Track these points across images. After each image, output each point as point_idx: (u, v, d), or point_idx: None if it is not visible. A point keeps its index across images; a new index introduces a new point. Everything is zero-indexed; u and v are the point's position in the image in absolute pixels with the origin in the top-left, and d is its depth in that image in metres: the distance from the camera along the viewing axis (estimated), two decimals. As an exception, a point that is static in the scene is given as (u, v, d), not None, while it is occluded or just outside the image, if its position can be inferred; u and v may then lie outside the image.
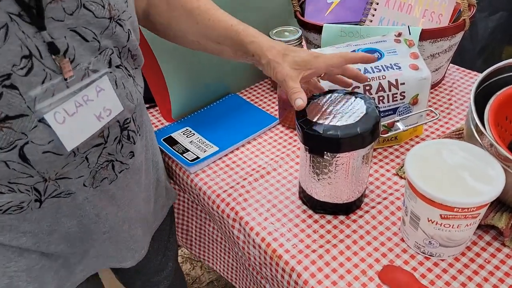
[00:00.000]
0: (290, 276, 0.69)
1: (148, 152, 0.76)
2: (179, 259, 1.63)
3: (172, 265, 1.02)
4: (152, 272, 0.97)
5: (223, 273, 1.09)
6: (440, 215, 0.62)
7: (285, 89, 0.66)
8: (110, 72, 0.57)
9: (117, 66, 0.59)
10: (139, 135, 0.68)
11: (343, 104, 0.69)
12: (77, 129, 0.54)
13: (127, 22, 0.59)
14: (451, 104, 0.98)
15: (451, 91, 1.02)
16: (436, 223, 0.63)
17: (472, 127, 0.70)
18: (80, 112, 0.53)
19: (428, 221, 0.64)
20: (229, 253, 1.03)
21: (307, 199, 0.78)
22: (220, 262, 1.09)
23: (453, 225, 0.62)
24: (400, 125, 0.77)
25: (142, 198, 0.75)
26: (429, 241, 0.66)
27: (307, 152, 0.69)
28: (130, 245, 0.77)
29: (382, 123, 0.87)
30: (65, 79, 0.51)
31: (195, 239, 1.13)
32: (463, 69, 1.10)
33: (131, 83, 0.63)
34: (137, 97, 0.64)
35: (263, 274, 0.78)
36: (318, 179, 0.71)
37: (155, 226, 0.86)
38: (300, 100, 0.63)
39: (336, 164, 0.68)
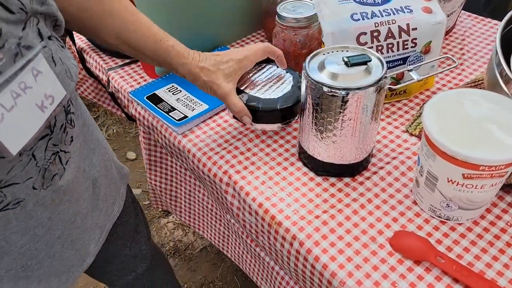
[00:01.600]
0: (291, 244, 0.62)
1: (87, 131, 0.66)
2: (171, 225, 1.57)
3: (145, 248, 0.93)
4: (124, 260, 0.88)
5: (214, 242, 1.02)
6: (463, 174, 0.54)
7: (228, 106, 0.69)
8: (44, 47, 0.46)
9: (49, 38, 0.48)
10: (77, 114, 0.58)
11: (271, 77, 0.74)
12: (20, 126, 0.43)
13: None
14: (463, 54, 0.89)
15: (463, 39, 0.93)
16: (457, 183, 0.55)
17: (497, 74, 0.61)
18: (19, 105, 0.42)
19: (448, 181, 0.56)
20: (220, 220, 0.96)
21: (308, 161, 0.70)
22: (211, 230, 1.02)
23: (476, 185, 0.55)
24: (414, 75, 0.68)
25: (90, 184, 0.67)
26: (447, 204, 0.59)
27: (310, 106, 0.61)
28: (85, 239, 0.67)
29: (390, 75, 0.78)
30: None
31: (184, 205, 1.06)
32: (475, 15, 1.00)
33: (66, 55, 0.51)
34: (74, 72, 0.53)
35: (259, 242, 0.71)
36: (322, 138, 0.63)
37: (112, 211, 0.77)
38: (246, 118, 0.70)
39: (342, 119, 0.59)
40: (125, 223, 0.84)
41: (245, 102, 0.71)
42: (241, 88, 0.72)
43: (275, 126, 0.74)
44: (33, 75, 0.43)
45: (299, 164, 0.72)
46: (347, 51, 0.63)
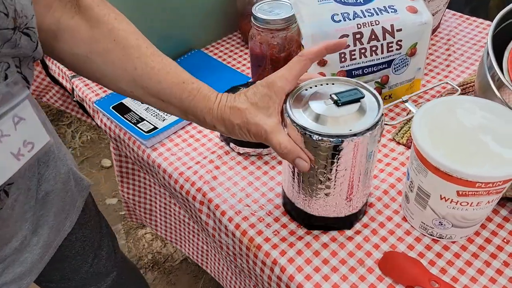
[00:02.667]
0: (271, 270, 0.57)
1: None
2: (149, 236, 1.50)
3: (110, 264, 0.86)
4: (85, 276, 0.81)
5: (193, 257, 0.96)
6: (457, 191, 0.49)
7: (273, 148, 0.50)
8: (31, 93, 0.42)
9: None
10: None
11: None
12: None
13: (36, 30, 0.43)
14: (449, 55, 0.85)
15: (449, 39, 0.89)
16: (451, 200, 0.51)
17: (489, 78, 0.57)
18: None
19: (441, 198, 0.51)
20: (198, 235, 0.90)
21: (295, 213, 0.60)
22: (189, 245, 0.96)
23: (471, 202, 0.50)
24: (410, 107, 0.58)
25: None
26: (440, 222, 0.54)
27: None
28: (26, 259, 0.61)
29: (374, 80, 0.74)
30: None
31: (160, 219, 1.00)
32: (459, 14, 0.96)
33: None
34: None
35: (238, 265, 0.65)
36: (312, 196, 0.55)
37: (63, 226, 0.70)
38: (301, 161, 0.49)
39: (337, 170, 0.50)
40: (85, 238, 0.78)
41: None
42: None
43: (258, 151, 0.68)
44: (14, 123, 0.41)
45: (280, 177, 0.66)
46: (333, 84, 0.53)
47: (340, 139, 0.47)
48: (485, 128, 0.50)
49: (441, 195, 0.51)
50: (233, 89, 0.74)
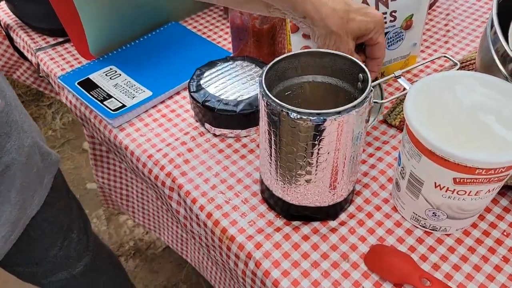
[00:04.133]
0: (245, 264, 0.51)
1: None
2: (131, 223, 1.44)
3: (81, 248, 0.81)
4: (54, 261, 0.77)
5: (172, 245, 0.90)
6: (454, 179, 0.43)
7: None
8: None
9: None
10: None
11: None
12: None
13: None
14: (448, 31, 0.78)
15: (448, 14, 0.82)
16: (447, 189, 0.45)
17: (493, 52, 0.50)
18: None
19: (436, 187, 0.45)
20: (177, 222, 0.84)
21: (274, 202, 0.54)
22: (168, 232, 0.90)
23: (470, 191, 0.44)
24: (404, 83, 0.52)
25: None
26: (434, 213, 0.48)
27: (268, 137, 0.45)
28: (2, 232, 0.58)
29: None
30: None
31: (137, 205, 0.94)
32: (459, -13, 0.89)
33: None
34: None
35: (212, 258, 0.60)
36: (291, 183, 0.48)
37: (30, 204, 0.65)
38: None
39: (318, 153, 0.44)
40: (53, 219, 0.72)
41: (201, 101, 0.60)
42: (201, 82, 0.63)
43: (236, 132, 0.62)
44: None
45: (258, 161, 0.60)
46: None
47: (322, 118, 0.41)
48: (487, 107, 0.44)
49: (435, 183, 0.45)
50: (210, 64, 0.67)
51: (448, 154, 0.41)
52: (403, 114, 0.63)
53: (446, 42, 0.76)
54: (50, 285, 0.84)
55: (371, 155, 0.60)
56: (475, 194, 0.45)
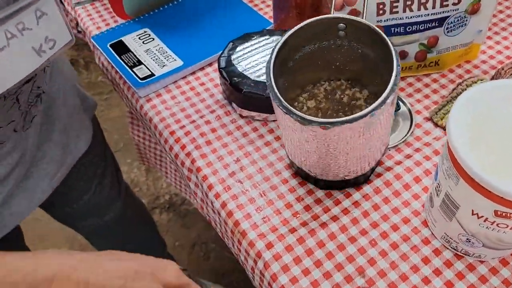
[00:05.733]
0: (255, 262, 0.48)
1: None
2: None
3: (114, 196, 0.85)
4: (86, 205, 0.79)
5: (202, 211, 0.90)
6: (496, 211, 0.37)
7: None
8: None
9: None
10: None
11: None
12: (8, 69, 0.40)
13: None
14: (525, 15, 0.67)
15: (528, -6, 0.70)
16: (485, 219, 0.39)
17: None
18: (12, 46, 0.40)
19: (473, 214, 0.39)
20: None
21: (301, 171, 0.52)
22: (194, 200, 0.89)
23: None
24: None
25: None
26: (467, 239, 0.43)
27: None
28: (38, 174, 0.59)
29: (420, 42, 0.59)
30: None
31: (170, 167, 0.93)
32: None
33: None
34: None
35: (227, 244, 0.58)
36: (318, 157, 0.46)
37: (75, 145, 0.66)
38: None
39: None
40: (90, 163, 0.75)
41: (230, 79, 0.57)
42: (233, 58, 0.59)
43: (263, 116, 0.58)
44: (36, 17, 0.41)
45: (284, 151, 0.56)
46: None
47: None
48: (551, 130, 0.37)
49: (473, 210, 0.39)
50: (245, 37, 0.62)
51: (491, 185, 0.35)
52: (453, 113, 0.56)
53: (520, 29, 0.65)
54: (83, 229, 0.88)
55: (408, 157, 0.54)
56: (519, 229, 0.39)
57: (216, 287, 1.22)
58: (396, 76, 0.42)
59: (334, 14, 0.48)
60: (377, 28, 0.44)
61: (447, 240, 0.46)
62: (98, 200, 0.81)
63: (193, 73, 0.66)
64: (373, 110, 0.40)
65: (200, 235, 1.33)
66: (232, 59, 0.59)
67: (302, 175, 0.52)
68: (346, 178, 0.49)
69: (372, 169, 0.51)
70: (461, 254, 0.46)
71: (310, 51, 0.50)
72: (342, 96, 0.53)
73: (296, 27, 0.46)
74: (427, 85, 0.61)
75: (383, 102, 0.41)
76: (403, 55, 0.60)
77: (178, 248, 1.33)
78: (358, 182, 0.51)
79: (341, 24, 0.47)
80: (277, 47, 0.45)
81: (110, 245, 0.84)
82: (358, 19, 0.46)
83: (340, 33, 0.48)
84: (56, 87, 0.58)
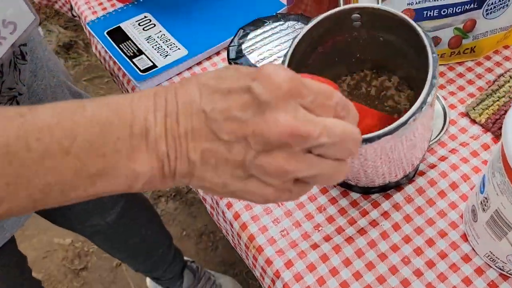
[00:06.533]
0: (273, 282, 0.43)
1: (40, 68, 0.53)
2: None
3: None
4: (85, 206, 0.75)
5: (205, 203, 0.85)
6: (561, 237, 0.32)
7: None
8: None
9: None
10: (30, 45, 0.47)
11: None
12: None
13: None
14: None
15: None
16: (546, 244, 0.33)
17: None
18: None
19: (530, 237, 0.34)
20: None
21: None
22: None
23: None
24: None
25: None
26: (518, 260, 0.37)
27: None
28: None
29: (454, 26, 0.52)
30: None
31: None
32: None
33: None
34: None
35: (238, 255, 0.53)
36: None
37: None
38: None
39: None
40: None
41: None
42: (244, 47, 0.52)
43: None
44: None
45: (302, 153, 0.50)
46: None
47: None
48: None
49: (531, 234, 0.34)
50: (257, 23, 0.55)
51: (561, 209, 0.29)
52: (492, 109, 0.50)
53: None
54: (84, 231, 0.84)
55: (442, 159, 0.48)
56: None
57: (224, 278, 1.18)
58: (434, 69, 0.36)
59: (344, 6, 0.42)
60: (400, 13, 0.38)
61: (492, 259, 0.40)
62: (100, 201, 0.76)
63: (199, 63, 0.59)
64: (414, 114, 0.34)
65: (208, 224, 1.29)
66: (243, 48, 0.53)
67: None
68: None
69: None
70: (508, 275, 0.40)
71: (325, 49, 0.44)
72: (369, 88, 0.47)
73: (306, 27, 0.40)
74: (461, 75, 0.55)
75: (424, 102, 0.35)
76: (435, 42, 0.53)
77: (185, 237, 1.29)
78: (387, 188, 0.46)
79: (355, 15, 0.41)
80: (292, 48, 0.39)
81: (112, 243, 0.80)
82: (372, 5, 0.39)
83: (355, 23, 0.42)
84: (42, 86, 0.53)
